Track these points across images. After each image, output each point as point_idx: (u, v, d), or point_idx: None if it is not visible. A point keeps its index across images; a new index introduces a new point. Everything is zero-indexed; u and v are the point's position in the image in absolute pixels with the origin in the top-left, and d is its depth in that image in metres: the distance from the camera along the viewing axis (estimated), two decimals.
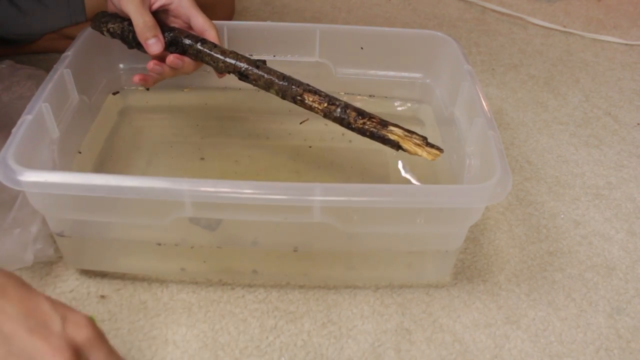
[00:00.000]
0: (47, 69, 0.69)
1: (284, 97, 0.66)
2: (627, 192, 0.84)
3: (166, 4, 0.68)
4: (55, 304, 0.43)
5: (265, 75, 0.66)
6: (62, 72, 0.68)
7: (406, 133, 0.61)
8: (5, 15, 0.90)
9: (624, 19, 1.30)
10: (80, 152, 0.73)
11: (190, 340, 0.61)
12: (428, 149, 0.60)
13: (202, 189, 0.54)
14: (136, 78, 0.67)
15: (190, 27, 0.70)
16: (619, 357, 0.63)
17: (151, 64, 0.67)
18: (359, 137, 0.63)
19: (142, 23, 0.65)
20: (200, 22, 0.69)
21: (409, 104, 0.85)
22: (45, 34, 0.96)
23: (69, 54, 0.70)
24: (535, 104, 1.01)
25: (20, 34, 0.95)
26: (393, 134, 0.61)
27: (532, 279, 0.70)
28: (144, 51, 0.67)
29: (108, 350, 0.44)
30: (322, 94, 0.65)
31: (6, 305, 0.41)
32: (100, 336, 0.43)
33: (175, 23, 0.70)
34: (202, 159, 0.77)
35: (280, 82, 0.65)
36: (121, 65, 0.84)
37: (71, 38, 0.76)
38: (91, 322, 0.43)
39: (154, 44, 0.66)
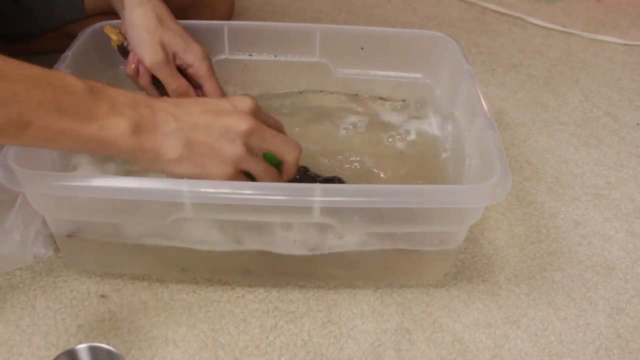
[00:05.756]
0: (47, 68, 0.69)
1: None
2: (626, 192, 0.84)
3: (185, 66, 0.69)
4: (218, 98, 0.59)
5: None
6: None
7: None
8: (7, 12, 0.90)
9: (624, 19, 1.30)
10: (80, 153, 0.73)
11: (190, 340, 0.61)
12: None
13: (202, 189, 0.54)
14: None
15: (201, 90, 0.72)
16: (619, 356, 0.63)
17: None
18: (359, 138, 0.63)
19: (174, 90, 0.68)
20: (211, 93, 0.70)
21: (409, 104, 0.85)
22: (46, 31, 0.96)
23: (69, 54, 0.70)
24: (535, 104, 1.01)
25: (21, 31, 0.95)
26: None
27: (532, 279, 0.70)
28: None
29: (266, 113, 0.59)
30: None
31: (192, 107, 0.54)
32: (258, 105, 0.57)
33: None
34: None
35: None
36: (121, 66, 0.84)
37: (72, 36, 0.76)
38: (249, 97, 0.57)
39: None
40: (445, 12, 1.29)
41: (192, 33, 0.71)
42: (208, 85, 0.70)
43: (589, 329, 0.65)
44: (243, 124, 0.53)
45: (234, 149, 0.53)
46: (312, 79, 0.84)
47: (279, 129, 0.60)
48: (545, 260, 0.73)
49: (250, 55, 0.82)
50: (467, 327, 0.64)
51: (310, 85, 0.85)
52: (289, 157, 0.58)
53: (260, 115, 0.57)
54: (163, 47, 0.66)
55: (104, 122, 0.49)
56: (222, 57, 0.81)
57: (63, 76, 0.48)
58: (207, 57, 0.70)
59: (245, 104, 0.55)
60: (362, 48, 0.82)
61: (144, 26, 0.66)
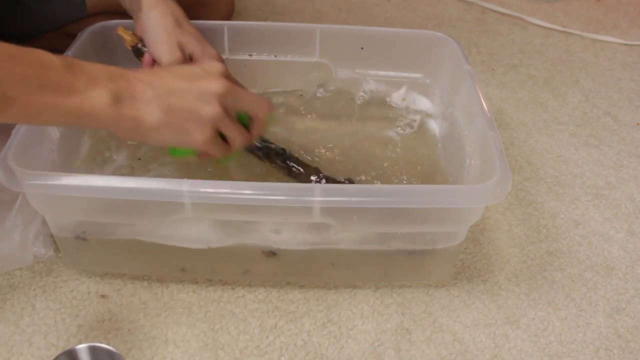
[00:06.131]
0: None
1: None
2: (626, 192, 0.84)
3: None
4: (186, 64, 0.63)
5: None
6: None
7: None
8: (7, 12, 0.90)
9: (624, 19, 1.30)
10: (80, 153, 0.73)
11: (190, 340, 0.61)
12: None
13: (202, 189, 0.54)
14: None
15: None
16: (619, 356, 0.63)
17: None
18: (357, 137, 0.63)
19: None
20: None
21: (409, 104, 0.85)
22: (46, 31, 0.96)
23: (69, 54, 0.70)
24: (535, 104, 1.01)
25: (21, 31, 0.95)
26: None
27: (532, 279, 0.70)
28: None
29: (232, 76, 0.62)
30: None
31: (165, 74, 0.55)
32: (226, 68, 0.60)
33: None
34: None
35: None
36: (122, 66, 0.84)
37: (72, 36, 0.76)
38: (217, 61, 0.63)
39: None
40: (445, 12, 1.29)
41: None
42: None
43: (589, 329, 0.65)
44: (217, 85, 0.55)
45: (211, 110, 0.55)
46: (312, 79, 0.84)
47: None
48: (545, 260, 0.73)
49: (250, 55, 0.82)
50: (467, 327, 0.64)
51: (310, 85, 0.85)
52: (259, 112, 0.60)
53: (230, 77, 0.60)
54: (181, 47, 0.66)
55: (84, 94, 0.50)
56: (222, 57, 0.81)
57: (39, 52, 0.49)
58: (223, 61, 0.70)
59: (216, 67, 0.58)
60: (362, 48, 0.82)
61: (161, 27, 0.66)
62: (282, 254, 0.63)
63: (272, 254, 0.63)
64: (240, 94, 0.58)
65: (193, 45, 0.67)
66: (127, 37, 0.70)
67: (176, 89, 0.54)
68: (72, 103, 0.49)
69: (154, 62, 0.68)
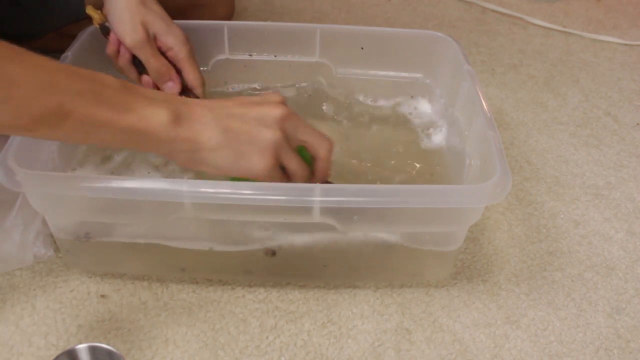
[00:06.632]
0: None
1: None
2: (626, 192, 0.84)
3: (165, 48, 0.69)
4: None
5: None
6: None
7: None
8: (7, 13, 0.90)
9: (624, 19, 1.30)
10: (80, 153, 0.73)
11: (190, 340, 0.61)
12: None
13: (202, 189, 0.54)
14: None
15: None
16: (619, 356, 0.63)
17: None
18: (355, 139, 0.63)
19: (155, 70, 0.68)
20: (190, 78, 0.70)
21: (409, 104, 0.85)
22: (46, 31, 0.96)
23: (69, 54, 0.70)
24: (535, 104, 1.01)
25: (21, 32, 0.95)
26: None
27: (532, 279, 0.70)
28: None
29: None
30: None
31: (225, 101, 0.55)
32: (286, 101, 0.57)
33: None
34: None
35: None
36: None
37: (72, 36, 0.76)
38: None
39: (172, 88, 0.69)
40: (445, 12, 1.29)
41: (192, 33, 0.72)
42: (187, 69, 0.70)
43: (589, 329, 0.65)
44: (277, 110, 0.54)
45: (272, 134, 0.53)
46: (312, 79, 0.84)
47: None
48: (545, 260, 0.73)
49: (250, 55, 0.82)
50: (467, 327, 0.64)
51: (310, 85, 0.85)
52: (321, 150, 0.57)
53: (290, 107, 0.58)
54: (144, 27, 0.66)
55: (143, 112, 0.49)
56: (222, 57, 0.81)
57: (95, 72, 0.49)
58: (188, 42, 0.70)
59: (275, 96, 0.56)
60: (362, 48, 0.82)
61: (125, 6, 0.66)
62: (282, 253, 0.63)
63: (272, 253, 0.63)
64: (302, 124, 0.56)
65: (158, 25, 0.67)
66: (95, 15, 0.70)
67: (236, 113, 0.53)
68: (129, 120, 0.49)
69: (120, 42, 0.68)
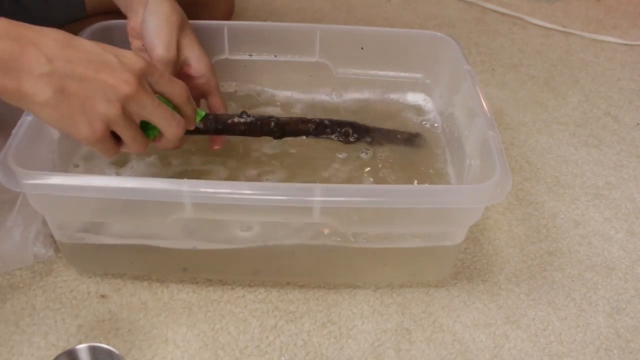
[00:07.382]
0: None
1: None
2: (626, 192, 0.84)
3: (197, 75, 0.68)
4: (103, 46, 0.51)
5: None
6: None
7: None
8: (6, 12, 0.90)
9: (624, 19, 1.30)
10: (80, 153, 0.73)
11: (190, 340, 0.61)
12: None
13: (202, 189, 0.54)
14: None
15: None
16: (619, 356, 0.63)
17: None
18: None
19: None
20: (217, 107, 0.70)
21: (409, 104, 0.85)
22: None
23: None
24: (535, 104, 1.01)
25: None
26: None
27: (532, 279, 0.70)
28: None
29: (160, 72, 0.53)
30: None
31: (74, 52, 0.48)
32: (151, 64, 0.52)
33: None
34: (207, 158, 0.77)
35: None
36: None
37: None
38: (140, 55, 0.52)
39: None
40: (445, 12, 1.29)
41: None
42: (216, 99, 0.70)
43: (589, 329, 0.65)
44: (125, 86, 0.49)
45: (108, 109, 0.49)
46: (312, 79, 0.84)
47: (177, 94, 0.55)
48: (545, 260, 0.73)
49: (250, 55, 0.82)
50: (467, 327, 0.64)
51: (310, 85, 0.85)
52: (167, 131, 0.54)
53: (154, 77, 0.52)
54: (178, 48, 0.65)
55: None
56: (222, 57, 0.81)
57: None
58: (214, 74, 0.70)
59: (135, 63, 0.50)
60: (362, 48, 0.82)
61: (165, 21, 0.64)
62: (282, 253, 0.63)
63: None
64: (150, 103, 0.51)
65: (192, 50, 0.66)
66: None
67: (77, 74, 0.48)
68: None
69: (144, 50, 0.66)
